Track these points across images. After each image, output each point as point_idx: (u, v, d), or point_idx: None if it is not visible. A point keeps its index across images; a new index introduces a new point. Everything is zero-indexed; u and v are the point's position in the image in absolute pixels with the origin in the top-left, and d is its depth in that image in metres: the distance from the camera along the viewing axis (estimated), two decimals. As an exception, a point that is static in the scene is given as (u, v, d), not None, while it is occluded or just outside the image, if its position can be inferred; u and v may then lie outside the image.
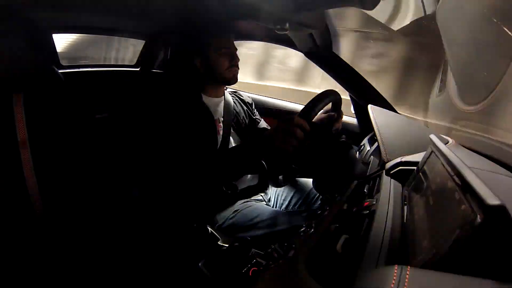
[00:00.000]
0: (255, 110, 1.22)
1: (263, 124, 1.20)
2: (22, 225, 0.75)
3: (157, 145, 1.09)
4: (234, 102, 1.11)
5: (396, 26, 1.21)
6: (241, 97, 1.18)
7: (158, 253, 0.75)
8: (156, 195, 1.02)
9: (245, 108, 1.16)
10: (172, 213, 0.93)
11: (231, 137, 1.02)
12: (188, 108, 0.93)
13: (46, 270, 0.76)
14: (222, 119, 1.02)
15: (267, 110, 1.46)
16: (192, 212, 0.93)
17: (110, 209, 0.93)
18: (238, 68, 1.00)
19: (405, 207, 0.51)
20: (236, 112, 1.09)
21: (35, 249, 0.76)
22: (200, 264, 0.69)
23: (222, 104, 1.05)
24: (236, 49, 1.02)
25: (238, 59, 1.00)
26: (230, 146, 1.01)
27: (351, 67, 1.12)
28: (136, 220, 0.87)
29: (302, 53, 1.17)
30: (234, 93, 1.18)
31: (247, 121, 1.13)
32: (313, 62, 1.16)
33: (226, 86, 1.10)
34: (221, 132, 1.00)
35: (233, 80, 1.00)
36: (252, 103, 1.21)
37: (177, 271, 0.69)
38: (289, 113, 1.49)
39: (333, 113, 1.02)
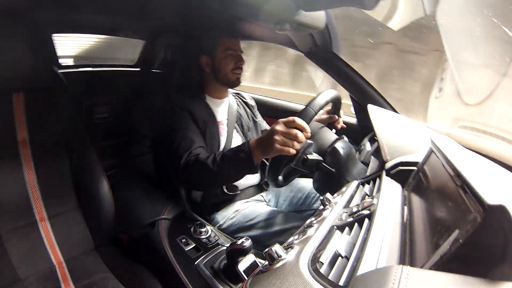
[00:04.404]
0: (258, 112, 1.22)
1: (265, 126, 1.20)
2: (21, 224, 0.75)
3: (157, 144, 1.09)
4: (237, 104, 1.11)
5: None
6: (245, 100, 1.18)
7: (158, 252, 0.75)
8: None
9: (248, 110, 1.16)
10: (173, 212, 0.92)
11: (234, 140, 1.02)
12: (190, 108, 0.93)
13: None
14: (226, 121, 1.02)
15: (268, 111, 1.45)
16: (193, 211, 0.93)
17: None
18: (242, 71, 1.00)
19: (405, 207, 0.51)
20: (240, 114, 1.09)
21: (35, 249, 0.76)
22: (200, 264, 0.69)
23: (226, 106, 1.05)
24: (242, 52, 1.01)
25: (243, 62, 1.00)
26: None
27: (351, 67, 1.11)
28: (135, 219, 0.87)
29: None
30: (237, 95, 1.18)
31: (250, 124, 1.13)
32: (313, 62, 1.15)
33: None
34: (224, 134, 1.00)
35: (237, 82, 1.00)
36: (255, 105, 1.21)
37: (177, 271, 0.69)
38: (290, 113, 1.48)
39: (333, 114, 1.02)
